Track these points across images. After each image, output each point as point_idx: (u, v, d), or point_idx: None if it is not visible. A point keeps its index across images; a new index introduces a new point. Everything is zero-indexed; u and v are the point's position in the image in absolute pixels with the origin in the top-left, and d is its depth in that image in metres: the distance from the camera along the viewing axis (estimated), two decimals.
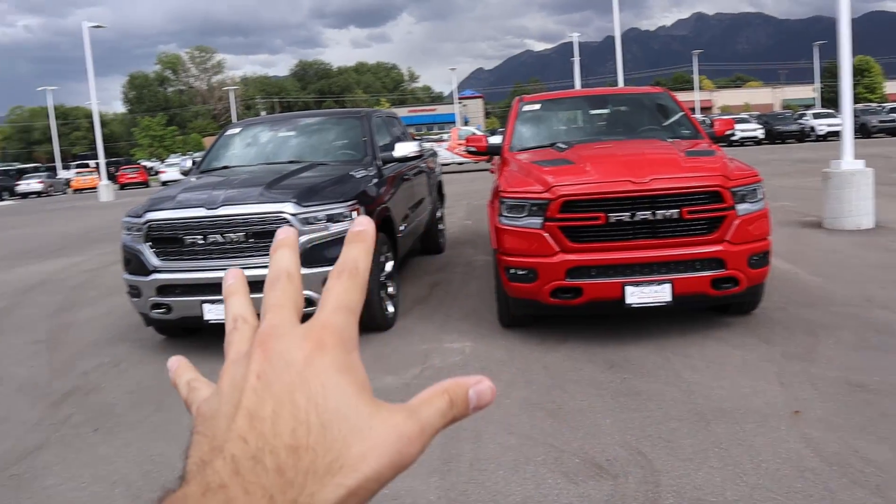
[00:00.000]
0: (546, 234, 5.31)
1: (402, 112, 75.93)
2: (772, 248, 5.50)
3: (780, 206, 11.57)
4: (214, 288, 5.55)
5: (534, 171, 5.74)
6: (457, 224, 12.87)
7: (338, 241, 5.68)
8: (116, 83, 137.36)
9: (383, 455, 0.40)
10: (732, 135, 7.71)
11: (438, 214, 10.03)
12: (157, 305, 5.87)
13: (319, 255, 5.57)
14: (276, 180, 6.15)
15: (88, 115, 77.44)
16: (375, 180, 6.73)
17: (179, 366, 0.52)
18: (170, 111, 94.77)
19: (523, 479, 3.56)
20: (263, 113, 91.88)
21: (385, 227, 6.59)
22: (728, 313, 5.96)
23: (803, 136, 38.89)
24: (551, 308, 5.48)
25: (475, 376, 0.45)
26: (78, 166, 55.77)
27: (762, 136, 39.56)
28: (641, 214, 5.18)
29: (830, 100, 66.06)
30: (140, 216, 5.93)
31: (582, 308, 5.40)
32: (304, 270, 5.54)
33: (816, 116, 40.05)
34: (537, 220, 5.34)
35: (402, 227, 7.28)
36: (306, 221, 5.64)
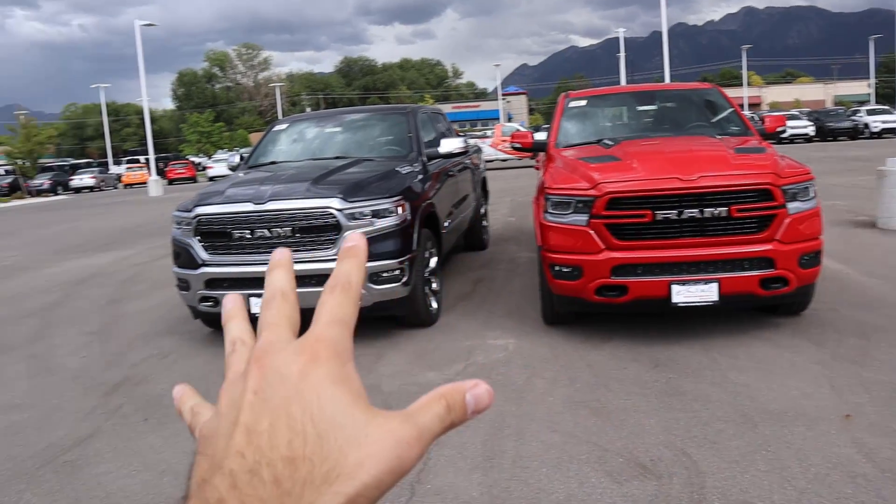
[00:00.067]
0: (591, 232, 5.27)
1: (445, 108, 75.89)
2: (823, 247, 5.38)
3: (832, 205, 11.30)
4: (261, 282, 5.59)
5: (580, 168, 5.70)
6: (500, 221, 12.84)
7: (383, 237, 5.71)
8: (166, 80, 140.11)
9: (381, 461, 0.40)
10: (783, 132, 7.56)
11: (482, 211, 10.02)
12: (205, 298, 5.98)
13: None
14: (322, 176, 6.20)
15: (139, 112, 79.11)
16: (420, 176, 6.75)
17: (183, 394, 0.53)
18: (217, 108, 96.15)
19: (566, 478, 3.54)
20: (308, 109, 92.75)
21: (430, 223, 6.60)
22: (777, 314, 5.85)
23: (856, 133, 37.82)
24: (596, 306, 5.44)
25: (472, 380, 0.45)
26: (128, 162, 57.11)
27: (813, 133, 38.61)
28: (689, 212, 5.11)
29: (886, 95, 64.35)
30: (190, 211, 6.04)
31: (627, 306, 5.35)
32: None
33: (870, 113, 38.97)
34: (583, 217, 5.30)
35: (446, 224, 7.29)
36: (352, 217, 5.68)
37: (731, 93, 8.15)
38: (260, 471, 0.39)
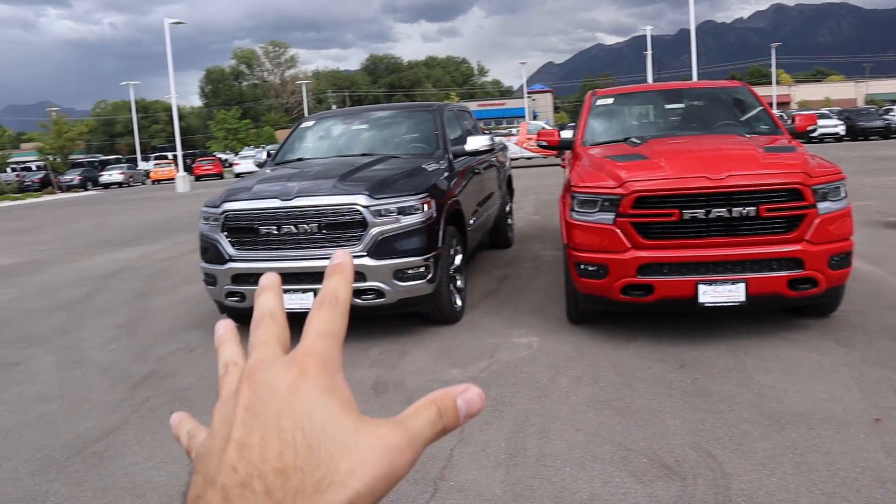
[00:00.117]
0: (618, 230, 5.24)
1: (471, 106, 75.80)
2: (854, 248, 5.31)
3: (863, 205, 11.13)
4: (286, 278, 5.66)
5: (606, 166, 5.67)
6: (525, 219, 12.81)
7: (408, 234, 5.72)
8: (193, 77, 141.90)
9: (373, 468, 0.40)
10: (814, 130, 7.44)
11: (507, 209, 10.01)
12: (231, 293, 6.03)
13: (391, 247, 5.64)
14: (348, 173, 6.23)
15: (167, 109, 79.88)
16: (446, 174, 6.75)
17: (181, 420, 0.54)
18: (244, 105, 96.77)
19: (590, 477, 3.53)
20: (334, 106, 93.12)
21: (455, 220, 6.60)
22: (805, 315, 5.78)
23: (888, 132, 37.21)
24: (621, 305, 5.41)
25: (463, 385, 0.45)
26: (156, 158, 57.75)
27: (843, 133, 38.02)
28: (717, 212, 5.06)
29: None
30: (217, 206, 6.09)
31: (653, 306, 5.31)
32: (373, 262, 5.63)
33: None
34: (609, 216, 5.27)
35: (471, 221, 7.29)
36: (378, 213, 5.70)
37: (759, 91, 8.05)
38: (252, 483, 0.39)
